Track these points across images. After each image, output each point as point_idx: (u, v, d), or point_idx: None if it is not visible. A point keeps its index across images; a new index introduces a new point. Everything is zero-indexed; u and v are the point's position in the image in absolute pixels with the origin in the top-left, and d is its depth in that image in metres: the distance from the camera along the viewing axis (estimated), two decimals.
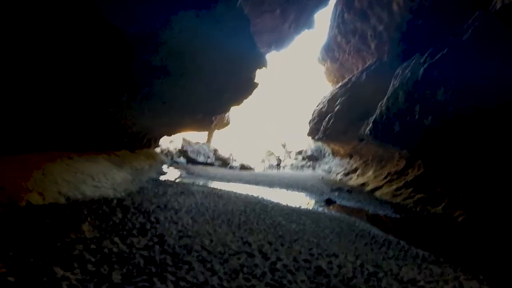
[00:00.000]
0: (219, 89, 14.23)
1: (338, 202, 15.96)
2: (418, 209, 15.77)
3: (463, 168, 14.47)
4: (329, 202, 15.55)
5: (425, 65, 11.23)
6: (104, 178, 10.65)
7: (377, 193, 19.91)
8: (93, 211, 6.91)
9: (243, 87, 15.79)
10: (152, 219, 7.10)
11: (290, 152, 47.10)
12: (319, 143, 39.82)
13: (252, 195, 15.32)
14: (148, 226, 6.47)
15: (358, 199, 17.34)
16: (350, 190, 19.45)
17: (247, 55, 12.75)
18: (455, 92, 9.97)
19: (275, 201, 14.44)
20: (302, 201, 16.01)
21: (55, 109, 10.57)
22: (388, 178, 21.68)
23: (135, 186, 12.62)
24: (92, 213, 6.71)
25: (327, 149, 39.22)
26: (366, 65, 22.62)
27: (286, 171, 35.28)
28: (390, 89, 15.00)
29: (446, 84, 10.26)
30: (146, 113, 14.71)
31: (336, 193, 18.37)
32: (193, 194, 12.76)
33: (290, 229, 8.57)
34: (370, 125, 14.88)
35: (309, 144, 47.41)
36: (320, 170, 33.57)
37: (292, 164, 38.94)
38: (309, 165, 36.67)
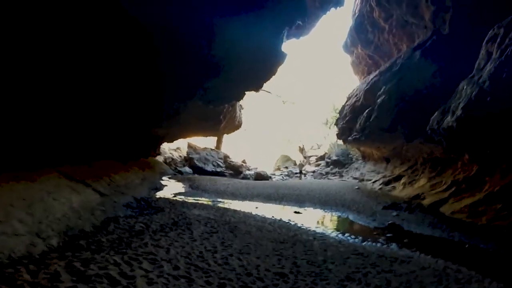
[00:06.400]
0: (224, 58, 9.24)
1: (405, 228, 10.89)
2: None
3: None
4: (393, 229, 10.48)
5: None
6: (23, 213, 5.82)
7: (445, 210, 14.60)
8: None
9: (263, 59, 10.64)
10: None
11: (310, 157, 41.93)
12: (344, 146, 34.65)
13: (280, 220, 10.45)
14: None
15: (429, 221, 12.23)
16: (411, 208, 14.27)
17: (269, 7, 7.68)
18: None
19: (318, 230, 9.51)
20: (353, 228, 11.01)
21: None
22: (454, 188, 16.31)
23: (97, 218, 7.80)
24: None
25: (353, 152, 33.95)
26: (417, 43, 17.55)
27: (309, 179, 30.09)
28: (486, 58, 9.97)
29: None
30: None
31: (394, 213, 13.23)
32: (189, 228, 7.92)
33: None
34: (459, 112, 9.83)
35: (330, 148, 42.22)
36: (350, 178, 28.32)
37: (314, 171, 33.72)
38: (335, 172, 31.43)
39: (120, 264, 4.54)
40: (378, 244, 8.51)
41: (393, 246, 8.48)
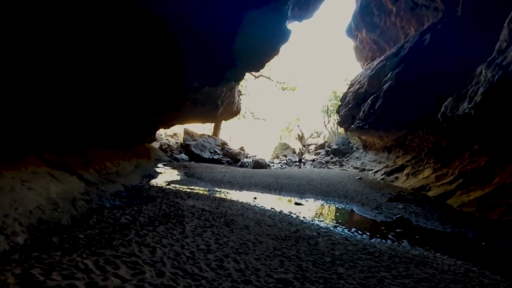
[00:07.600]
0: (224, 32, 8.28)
1: (414, 222, 10.18)
2: None
3: None
4: (402, 224, 9.76)
5: None
6: None
7: (452, 203, 13.91)
8: None
9: (265, 35, 9.52)
10: None
11: (309, 145, 41.18)
12: (345, 134, 33.90)
13: (281, 213, 9.71)
14: None
15: (438, 215, 11.55)
16: (418, 200, 13.57)
17: None
18: None
19: (322, 224, 8.79)
20: (359, 222, 10.26)
21: None
22: (461, 180, 15.62)
23: (78, 209, 7.01)
24: None
25: (354, 141, 33.17)
26: (426, 26, 16.58)
27: (308, 168, 29.38)
28: (508, 39, 9.10)
29: None
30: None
31: (400, 205, 12.52)
32: (181, 221, 7.14)
33: None
34: (478, 98, 8.99)
35: (330, 136, 41.46)
36: (350, 167, 27.60)
37: (313, 160, 32.98)
38: (335, 161, 30.68)
39: (91, 271, 3.75)
40: (389, 241, 7.79)
41: (405, 243, 7.77)
